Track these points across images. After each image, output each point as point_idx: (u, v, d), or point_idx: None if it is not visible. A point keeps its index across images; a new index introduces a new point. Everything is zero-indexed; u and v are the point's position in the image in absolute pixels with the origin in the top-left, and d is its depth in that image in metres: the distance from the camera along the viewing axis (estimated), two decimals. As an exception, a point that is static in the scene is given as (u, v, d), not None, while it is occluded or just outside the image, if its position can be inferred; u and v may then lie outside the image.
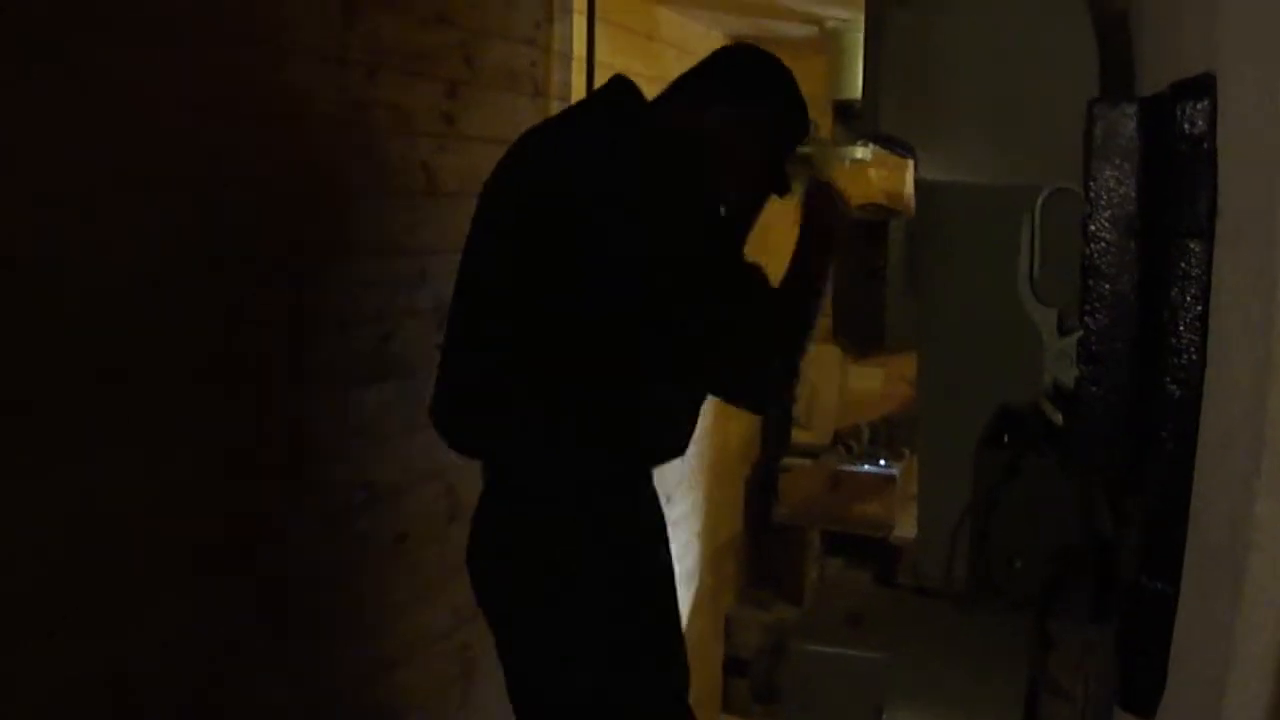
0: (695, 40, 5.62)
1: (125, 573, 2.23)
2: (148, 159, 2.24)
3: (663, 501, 2.62)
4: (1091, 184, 1.21)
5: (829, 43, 5.54)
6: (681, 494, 5.37)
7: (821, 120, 5.88)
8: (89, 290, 2.12)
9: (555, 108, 3.81)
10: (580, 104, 2.71)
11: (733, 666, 6.04)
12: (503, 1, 3.62)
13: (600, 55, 4.28)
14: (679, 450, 2.59)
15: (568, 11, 4.06)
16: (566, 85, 4.02)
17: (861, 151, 5.73)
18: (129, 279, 2.20)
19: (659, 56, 5.10)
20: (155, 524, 2.28)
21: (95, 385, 2.16)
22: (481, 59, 3.47)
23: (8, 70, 1.96)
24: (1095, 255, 1.21)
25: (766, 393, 2.59)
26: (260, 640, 2.62)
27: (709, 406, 2.59)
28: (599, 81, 4.16)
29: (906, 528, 5.59)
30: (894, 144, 2.33)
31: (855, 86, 5.47)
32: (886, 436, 6.19)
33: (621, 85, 2.57)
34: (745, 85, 2.63)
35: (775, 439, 6.29)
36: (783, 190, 2.68)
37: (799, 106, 2.68)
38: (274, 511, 2.65)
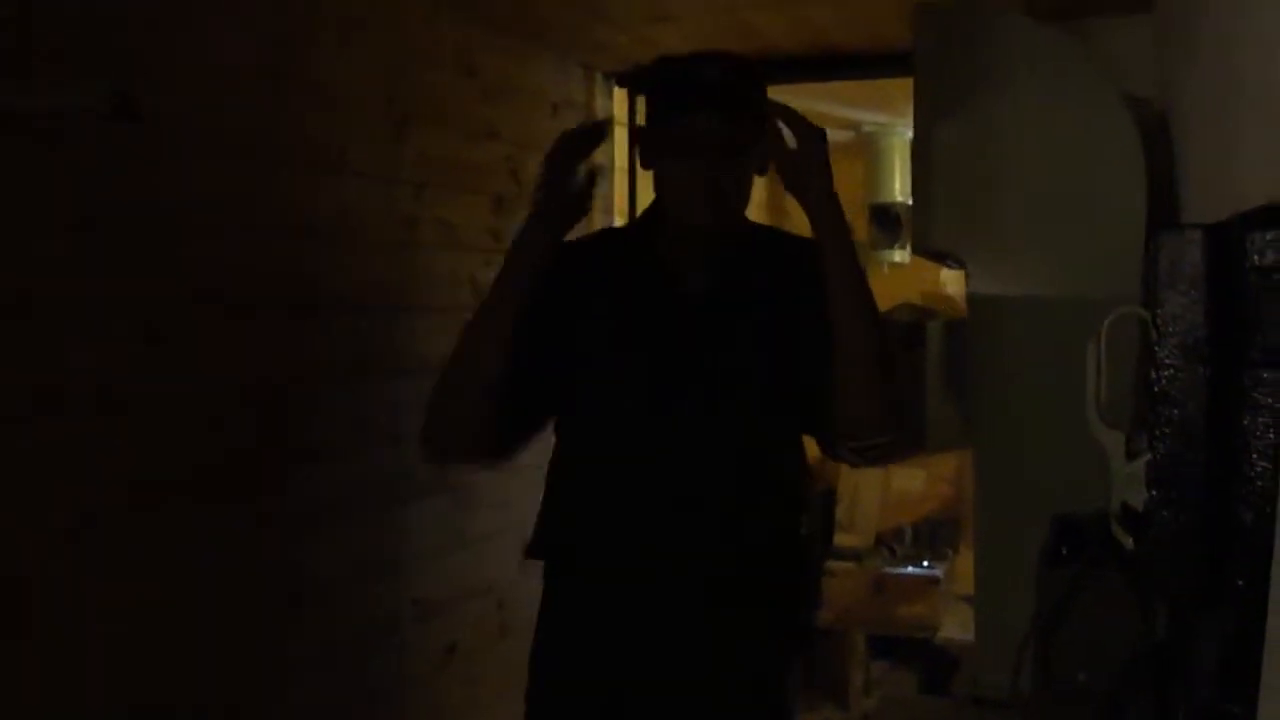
0: (733, 147, 5.66)
1: (177, 686, 2.25)
2: (196, 272, 2.28)
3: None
4: (1159, 310, 1.22)
5: (865, 147, 5.59)
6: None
7: (858, 223, 5.92)
8: (136, 404, 2.14)
9: (598, 219, 3.85)
10: None
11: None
12: (547, 115, 3.68)
13: (642, 165, 4.32)
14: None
15: (610, 123, 4.12)
16: (608, 195, 4.07)
17: (900, 255, 5.77)
18: (170, 396, 2.22)
19: (698, 164, 5.14)
20: (198, 649, 2.30)
21: (148, 499, 2.18)
22: (527, 172, 3.52)
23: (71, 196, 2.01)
24: (1164, 381, 1.22)
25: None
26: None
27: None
28: (641, 192, 4.22)
29: (951, 629, 5.55)
30: (945, 257, 2.35)
31: (891, 190, 5.52)
32: (929, 537, 6.15)
33: None
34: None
35: (818, 543, 6.26)
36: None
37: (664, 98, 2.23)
38: (325, 625, 2.67)
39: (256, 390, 2.47)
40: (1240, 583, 1.17)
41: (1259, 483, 1.13)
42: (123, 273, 2.13)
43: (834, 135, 5.83)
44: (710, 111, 2.15)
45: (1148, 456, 1.29)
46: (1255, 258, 1.11)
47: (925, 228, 2.31)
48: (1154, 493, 1.26)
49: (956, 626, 5.48)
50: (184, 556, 2.26)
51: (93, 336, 2.07)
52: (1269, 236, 1.09)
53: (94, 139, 2.05)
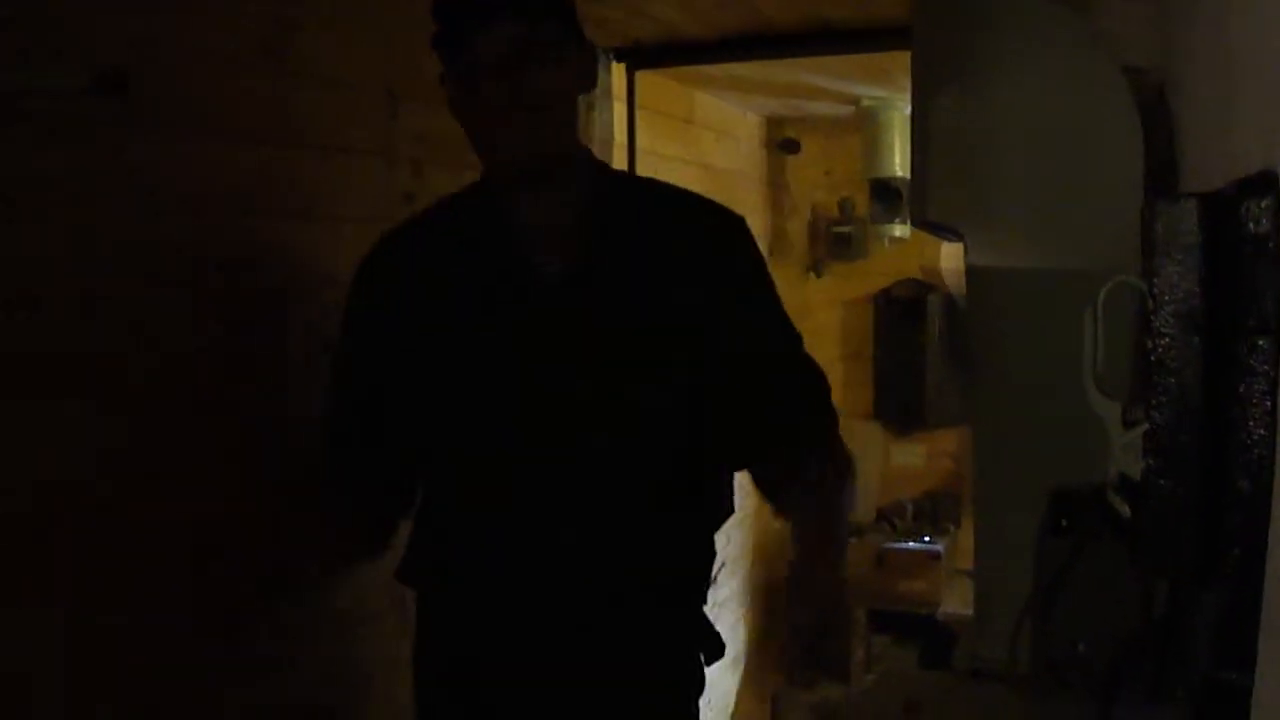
0: (732, 123, 5.67)
1: (162, 670, 2.25)
2: (189, 253, 2.27)
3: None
4: (1155, 279, 1.22)
5: (865, 121, 5.58)
6: (725, 576, 5.35)
7: (858, 198, 5.92)
8: (115, 390, 2.13)
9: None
10: None
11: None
12: (545, 91, 3.66)
13: (640, 141, 4.33)
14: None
15: (608, 98, 4.12)
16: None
17: (900, 229, 5.78)
18: (159, 377, 2.21)
19: (697, 140, 5.15)
20: (184, 632, 2.29)
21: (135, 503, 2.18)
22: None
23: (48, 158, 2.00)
24: (1160, 350, 1.22)
25: None
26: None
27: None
28: (640, 166, 4.22)
29: (952, 604, 5.57)
30: (942, 229, 2.35)
31: (891, 165, 5.52)
32: (930, 512, 6.16)
33: None
34: None
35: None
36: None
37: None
38: (311, 608, 2.66)
39: (255, 375, 2.46)
40: (1238, 550, 1.17)
41: (1256, 450, 1.13)
42: (120, 261, 2.11)
43: (833, 110, 5.80)
44: (504, 20, 1.89)
45: (1145, 426, 1.29)
46: (1251, 225, 1.10)
47: (923, 200, 2.30)
48: (1151, 462, 1.26)
49: (958, 601, 5.50)
50: (178, 545, 2.26)
51: (92, 331, 2.06)
52: (1264, 204, 1.09)
53: (83, 121, 2.03)
